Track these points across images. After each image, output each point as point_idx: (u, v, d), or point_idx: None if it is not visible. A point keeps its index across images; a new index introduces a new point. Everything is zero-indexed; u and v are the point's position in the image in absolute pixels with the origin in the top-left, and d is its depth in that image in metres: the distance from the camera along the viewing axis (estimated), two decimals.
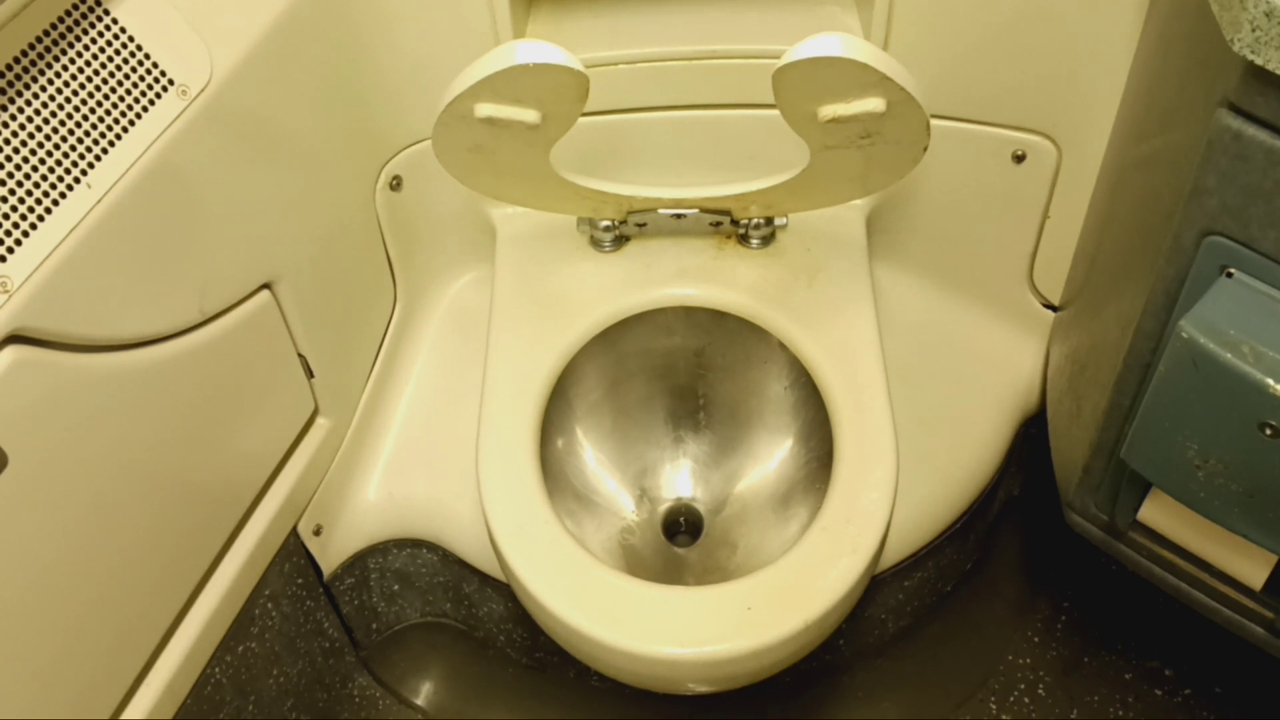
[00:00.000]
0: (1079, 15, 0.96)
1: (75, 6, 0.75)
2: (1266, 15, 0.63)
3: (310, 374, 1.02)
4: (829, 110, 0.84)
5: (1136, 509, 0.91)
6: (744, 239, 1.08)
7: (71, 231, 0.71)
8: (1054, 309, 1.18)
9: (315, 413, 1.05)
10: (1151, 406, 0.79)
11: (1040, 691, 1.20)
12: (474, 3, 1.00)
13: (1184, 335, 0.74)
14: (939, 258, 1.21)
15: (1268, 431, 0.72)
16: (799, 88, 0.83)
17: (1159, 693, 1.18)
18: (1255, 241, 0.73)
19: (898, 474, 0.91)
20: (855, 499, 0.90)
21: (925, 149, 0.90)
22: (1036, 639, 1.23)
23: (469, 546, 1.12)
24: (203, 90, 0.81)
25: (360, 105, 1.03)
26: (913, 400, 1.13)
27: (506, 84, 0.83)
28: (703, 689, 0.90)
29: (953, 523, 1.14)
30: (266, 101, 0.89)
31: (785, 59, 0.81)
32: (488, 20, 1.01)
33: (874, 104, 0.83)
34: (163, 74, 0.79)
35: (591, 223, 1.08)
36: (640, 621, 0.84)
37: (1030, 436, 1.22)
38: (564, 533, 0.89)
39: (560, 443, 1.06)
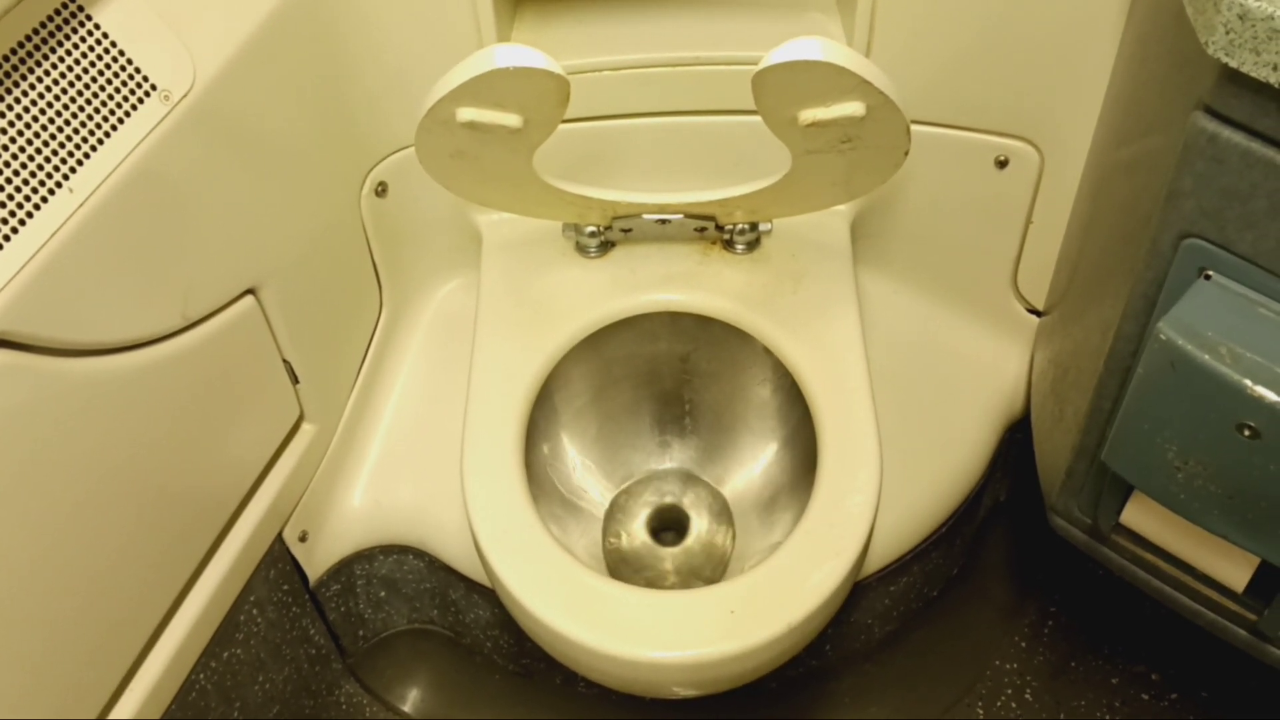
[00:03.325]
0: (1061, 21, 0.97)
1: (58, 12, 0.75)
2: (1240, 18, 0.64)
3: (295, 380, 1.02)
4: (809, 114, 0.85)
5: (1119, 512, 0.91)
6: (729, 245, 1.09)
7: (53, 236, 0.71)
8: (1038, 314, 1.19)
9: (300, 418, 1.05)
10: (1131, 409, 0.80)
11: (1027, 696, 1.20)
12: (458, 10, 1.00)
13: (1162, 337, 0.74)
14: (923, 263, 1.21)
15: (1246, 433, 0.72)
16: (778, 92, 0.84)
17: (1145, 697, 1.19)
18: (1232, 243, 0.73)
19: (881, 478, 0.92)
20: (838, 503, 0.90)
21: (906, 153, 0.91)
22: (1023, 643, 1.23)
23: (455, 552, 1.12)
24: (186, 95, 0.81)
25: (345, 111, 1.04)
26: (898, 405, 1.13)
27: (487, 88, 0.83)
28: (687, 693, 0.90)
29: (938, 528, 1.14)
30: (250, 107, 0.89)
31: (764, 63, 0.81)
32: (472, 26, 1.01)
33: (853, 108, 0.83)
34: (145, 79, 0.79)
35: (577, 229, 1.08)
36: (624, 625, 0.84)
37: (1016, 441, 1.23)
38: (548, 537, 0.89)
39: (545, 448, 1.06)
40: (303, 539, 1.09)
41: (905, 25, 1.01)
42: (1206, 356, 0.72)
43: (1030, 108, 1.04)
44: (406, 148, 1.10)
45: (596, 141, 1.10)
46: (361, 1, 0.99)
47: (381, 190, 1.12)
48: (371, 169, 1.10)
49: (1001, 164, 1.08)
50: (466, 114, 0.85)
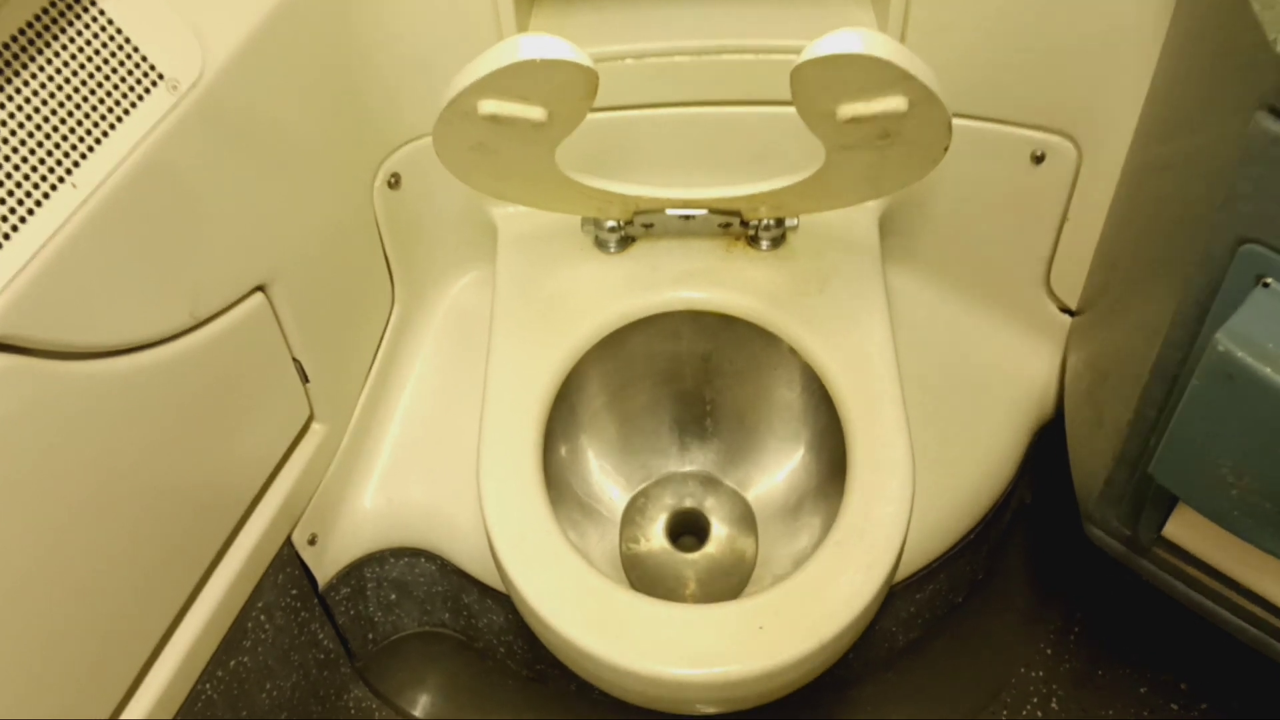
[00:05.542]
0: (1101, 12, 0.93)
1: None
2: None
3: (305, 379, 0.98)
4: (848, 109, 0.81)
5: (1161, 524, 0.88)
6: (753, 241, 1.05)
7: (56, 234, 0.67)
8: (1071, 314, 1.15)
9: (310, 419, 1.02)
10: (1183, 422, 0.76)
11: (1053, 705, 1.17)
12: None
13: (1220, 349, 0.70)
14: (954, 260, 1.18)
15: None
16: (818, 85, 0.80)
17: (1174, 707, 1.16)
18: None
19: (914, 487, 0.88)
20: (869, 512, 0.87)
21: (946, 149, 0.87)
22: (1049, 650, 1.21)
23: (468, 556, 1.09)
24: (194, 85, 0.77)
25: (358, 100, 1.00)
26: (925, 407, 1.10)
27: (511, 80, 0.80)
28: (712, 710, 0.87)
29: (966, 535, 1.11)
30: (260, 97, 0.86)
31: (805, 55, 0.77)
32: (490, 12, 0.98)
33: (895, 103, 0.79)
34: (152, 68, 0.76)
35: (596, 223, 1.05)
36: (649, 640, 0.81)
37: (1043, 442, 1.19)
38: (568, 547, 0.86)
39: (563, 450, 1.03)
40: (312, 542, 1.05)
41: (940, 13, 0.97)
42: (1267, 369, 0.69)
43: (1069, 101, 1.00)
44: (420, 138, 1.06)
45: (618, 132, 1.06)
46: None
47: (394, 182, 1.08)
48: (384, 160, 1.07)
49: (1038, 159, 1.04)
50: (489, 107, 0.81)
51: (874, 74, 0.77)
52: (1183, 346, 0.80)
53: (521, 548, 0.87)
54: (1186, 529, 0.87)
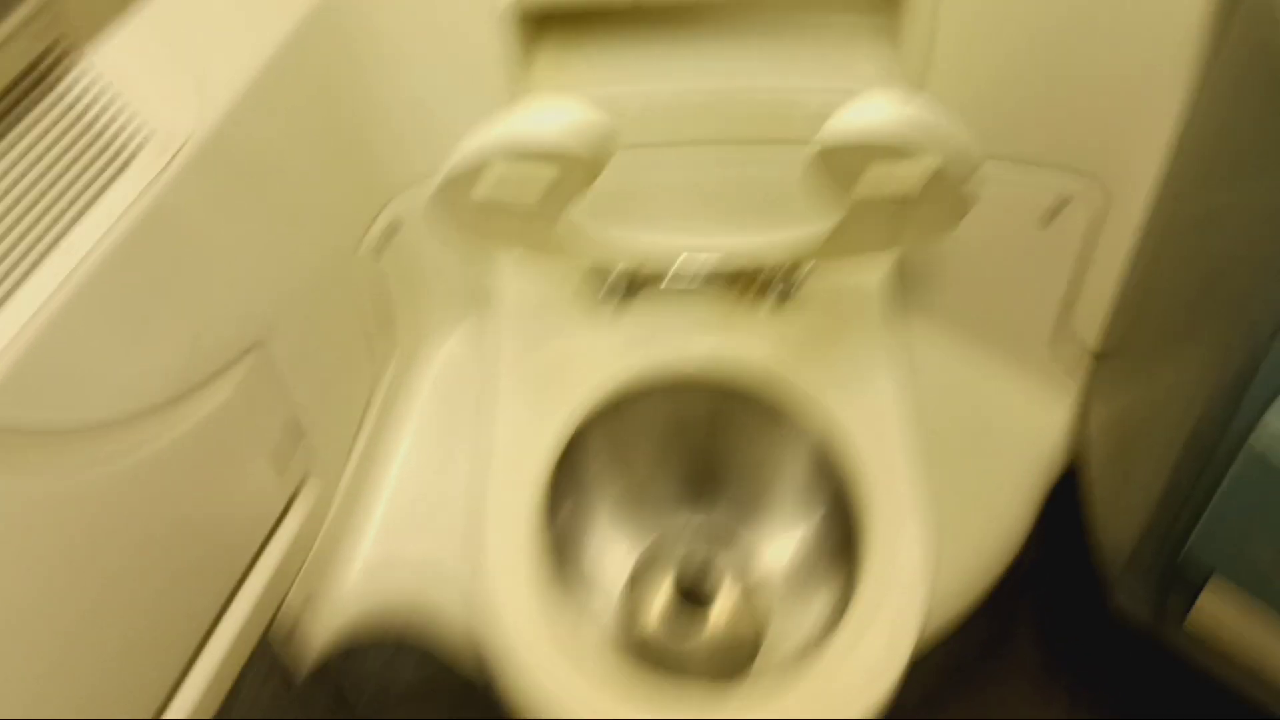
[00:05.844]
0: (1127, 51, 0.90)
1: (47, 52, 0.67)
2: None
3: (298, 439, 0.94)
4: (871, 176, 0.77)
5: (1194, 598, 0.85)
6: (762, 293, 1.01)
7: (41, 310, 0.63)
8: (1090, 366, 1.12)
9: (305, 478, 0.98)
10: (1223, 505, 0.73)
11: None
12: (478, 40, 0.92)
13: (1267, 437, 0.67)
14: (969, 307, 1.14)
15: None
16: (842, 161, 0.76)
17: None
18: None
19: (934, 561, 0.85)
20: (887, 585, 0.84)
21: (971, 204, 0.83)
22: (1061, 715, 1.17)
23: (464, 626, 1.04)
24: (187, 142, 0.73)
25: (355, 151, 0.96)
26: (937, 464, 1.06)
27: (520, 152, 0.76)
28: None
29: (980, 602, 1.07)
30: (256, 153, 0.82)
31: (832, 138, 0.73)
32: (492, 57, 0.94)
33: (922, 167, 0.76)
34: (144, 124, 0.72)
35: (599, 276, 1.01)
36: None
37: (1055, 497, 1.16)
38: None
39: (565, 515, 0.99)
40: (306, 605, 1.01)
41: (962, 57, 0.93)
42: None
43: (1094, 142, 0.97)
44: (418, 187, 1.02)
45: (621, 174, 1.01)
46: (376, 33, 0.91)
47: (391, 231, 1.04)
48: (382, 209, 1.03)
49: (1060, 202, 1.01)
50: (494, 175, 0.78)
51: (902, 148, 0.74)
52: (1219, 423, 0.76)
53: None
54: (1220, 605, 0.83)
